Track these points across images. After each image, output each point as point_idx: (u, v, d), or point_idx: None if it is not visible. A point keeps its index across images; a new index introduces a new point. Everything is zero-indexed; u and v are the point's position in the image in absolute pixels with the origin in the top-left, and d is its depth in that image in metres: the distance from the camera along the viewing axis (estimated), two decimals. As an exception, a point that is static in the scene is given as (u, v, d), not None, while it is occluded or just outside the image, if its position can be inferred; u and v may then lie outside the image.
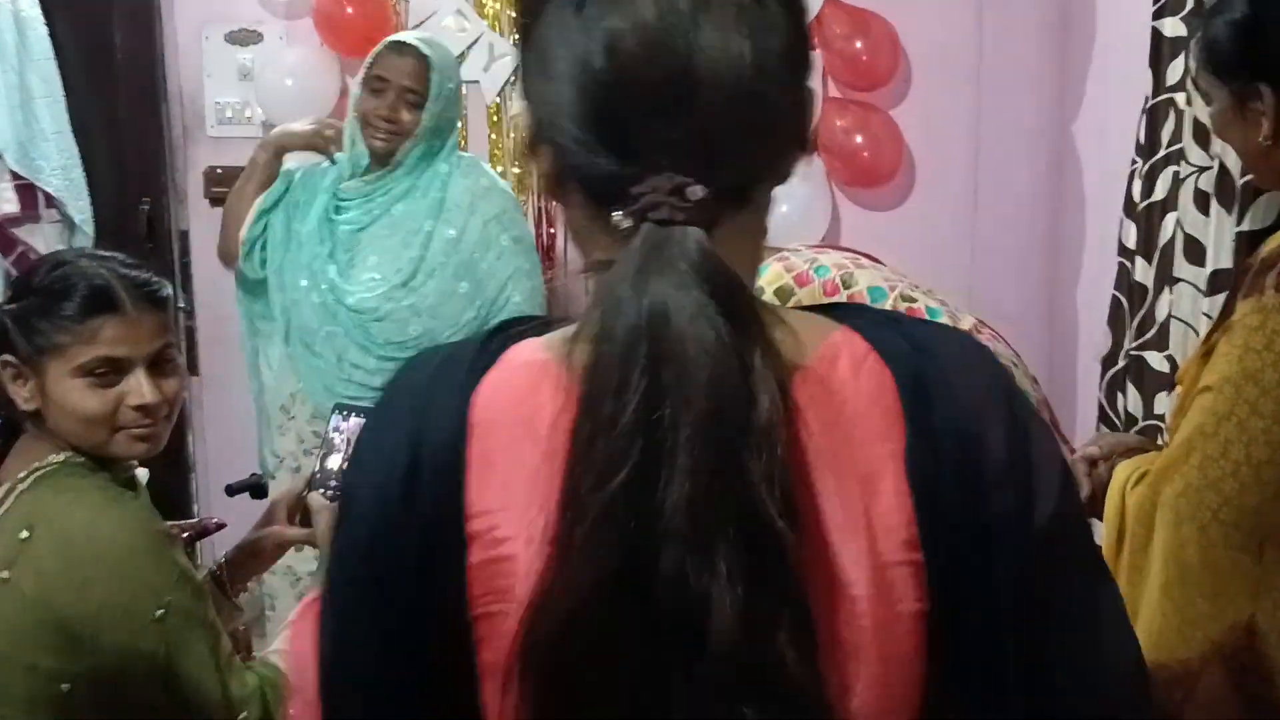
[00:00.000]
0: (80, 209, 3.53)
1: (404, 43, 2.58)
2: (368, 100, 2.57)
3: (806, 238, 3.45)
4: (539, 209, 3.68)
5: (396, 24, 3.55)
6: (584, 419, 0.69)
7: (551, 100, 0.75)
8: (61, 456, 1.42)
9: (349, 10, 3.44)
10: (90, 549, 1.35)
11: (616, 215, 0.72)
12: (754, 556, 0.66)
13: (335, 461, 1.89)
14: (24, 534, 1.34)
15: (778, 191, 0.81)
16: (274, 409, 2.85)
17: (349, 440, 1.91)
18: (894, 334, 0.79)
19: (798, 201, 3.44)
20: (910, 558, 0.73)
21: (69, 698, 1.33)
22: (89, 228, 3.56)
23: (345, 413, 1.96)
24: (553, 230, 3.69)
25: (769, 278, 2.18)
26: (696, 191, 0.71)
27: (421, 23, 3.56)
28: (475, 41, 3.58)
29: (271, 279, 2.78)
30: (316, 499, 1.83)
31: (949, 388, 0.76)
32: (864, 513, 0.73)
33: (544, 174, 0.79)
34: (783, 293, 2.16)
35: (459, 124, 2.72)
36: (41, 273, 1.50)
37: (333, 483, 1.87)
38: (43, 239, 3.52)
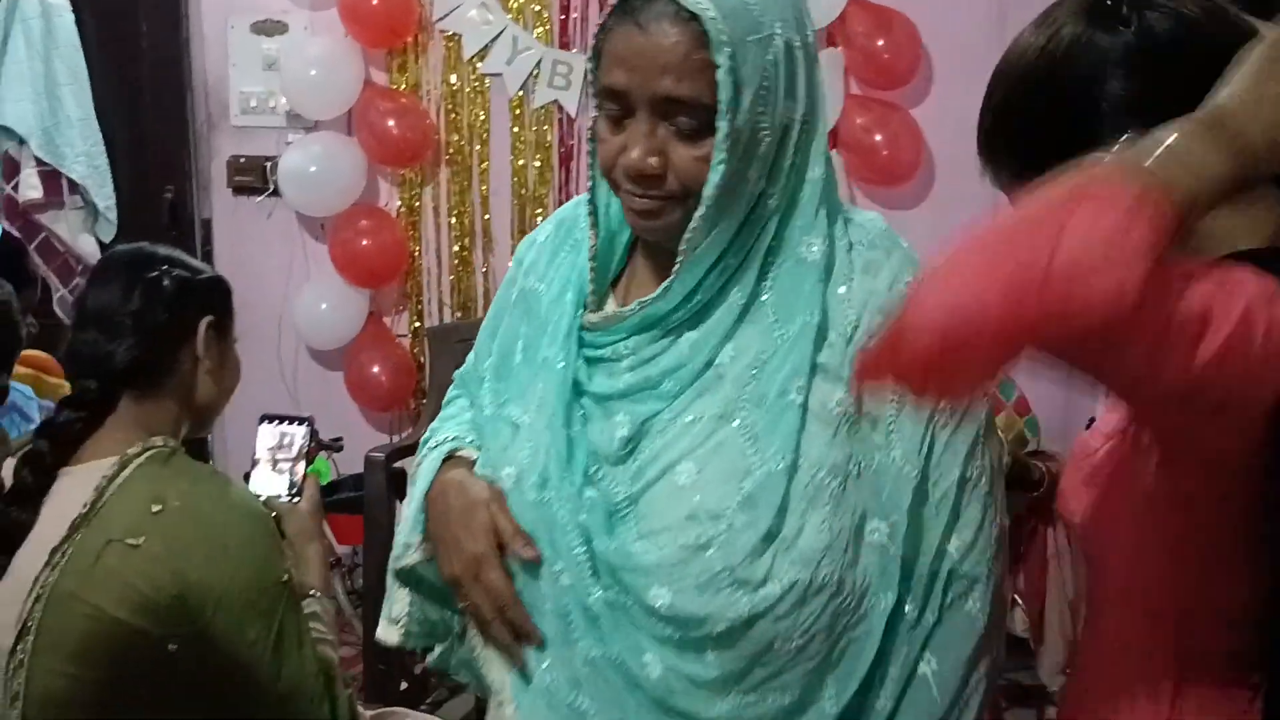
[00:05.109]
0: (104, 196, 3.57)
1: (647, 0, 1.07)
2: (609, 137, 1.13)
3: (825, 235, 3.45)
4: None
5: (421, 16, 3.57)
6: None
7: None
8: (162, 440, 1.49)
9: (374, 1, 3.45)
10: (223, 518, 1.43)
11: None
12: None
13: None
14: (156, 507, 1.40)
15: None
16: None
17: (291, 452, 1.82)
18: None
19: (817, 199, 3.43)
20: None
21: (174, 657, 1.38)
22: (112, 215, 3.59)
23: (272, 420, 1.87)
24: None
25: None
26: None
27: (446, 15, 3.58)
28: (499, 34, 3.59)
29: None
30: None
31: None
32: None
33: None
34: None
35: (823, 142, 1.20)
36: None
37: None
38: (66, 225, 3.55)
